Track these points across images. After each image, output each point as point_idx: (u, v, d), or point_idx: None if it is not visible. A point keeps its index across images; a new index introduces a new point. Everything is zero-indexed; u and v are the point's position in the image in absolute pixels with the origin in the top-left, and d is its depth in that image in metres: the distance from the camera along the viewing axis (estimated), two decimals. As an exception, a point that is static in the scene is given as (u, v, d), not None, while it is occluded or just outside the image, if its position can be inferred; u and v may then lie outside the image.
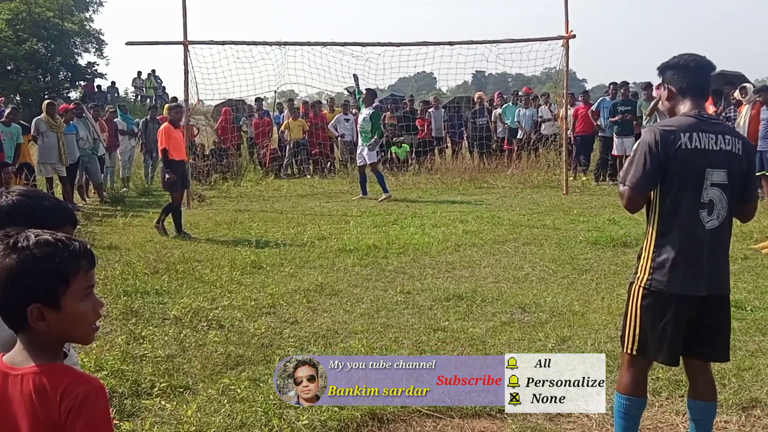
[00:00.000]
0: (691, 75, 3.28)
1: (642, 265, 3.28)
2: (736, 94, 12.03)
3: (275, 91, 18.77)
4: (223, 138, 18.08)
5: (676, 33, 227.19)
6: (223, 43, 13.59)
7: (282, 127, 18.39)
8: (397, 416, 4.09)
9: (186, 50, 12.96)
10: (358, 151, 13.66)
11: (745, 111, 11.68)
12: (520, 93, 18.36)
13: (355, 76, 14.28)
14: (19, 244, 1.69)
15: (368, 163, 13.42)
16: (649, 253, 3.25)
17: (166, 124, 10.18)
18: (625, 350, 3.38)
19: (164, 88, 33.30)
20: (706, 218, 3.16)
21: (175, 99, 16.16)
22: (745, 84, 12.48)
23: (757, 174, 11.57)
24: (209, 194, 14.54)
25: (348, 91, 19.83)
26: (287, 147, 18.07)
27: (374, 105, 13.60)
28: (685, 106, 3.27)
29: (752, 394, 4.23)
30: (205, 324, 5.70)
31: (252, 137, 18.76)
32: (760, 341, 5.13)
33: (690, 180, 3.15)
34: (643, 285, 3.26)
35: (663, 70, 3.38)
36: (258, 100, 18.96)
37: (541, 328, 5.53)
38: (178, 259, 8.16)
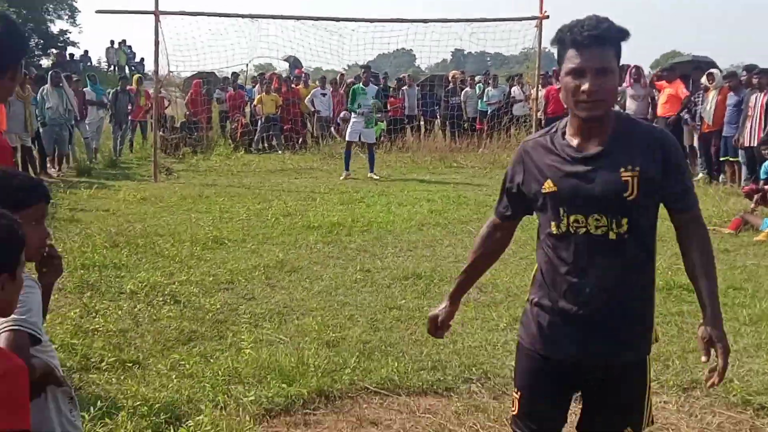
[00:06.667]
0: None
1: None
2: (704, 79, 12.12)
3: (247, 64, 18.61)
4: (194, 111, 17.87)
5: (648, 14, 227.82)
6: (195, 14, 13.45)
7: (255, 102, 18.22)
8: (344, 393, 4.11)
9: (157, 20, 12.81)
10: (356, 129, 13.05)
11: (711, 96, 11.79)
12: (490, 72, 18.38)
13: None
14: None
15: (370, 142, 13.22)
16: None
17: None
18: None
19: (143, 59, 32.78)
20: None
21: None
22: (712, 70, 12.56)
23: (722, 159, 11.74)
24: (177, 168, 14.42)
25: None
26: (259, 121, 17.93)
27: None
28: None
29: (694, 375, 4.30)
30: (160, 299, 5.68)
31: (226, 110, 18.57)
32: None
33: None
34: None
35: None
36: (234, 73, 18.77)
37: (495, 308, 5.58)
38: (140, 233, 8.11)
